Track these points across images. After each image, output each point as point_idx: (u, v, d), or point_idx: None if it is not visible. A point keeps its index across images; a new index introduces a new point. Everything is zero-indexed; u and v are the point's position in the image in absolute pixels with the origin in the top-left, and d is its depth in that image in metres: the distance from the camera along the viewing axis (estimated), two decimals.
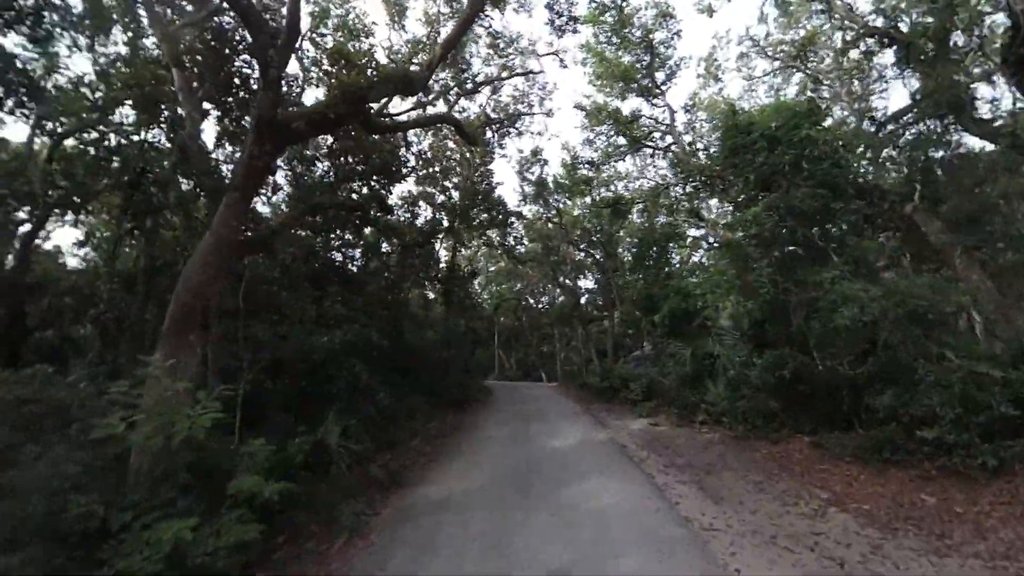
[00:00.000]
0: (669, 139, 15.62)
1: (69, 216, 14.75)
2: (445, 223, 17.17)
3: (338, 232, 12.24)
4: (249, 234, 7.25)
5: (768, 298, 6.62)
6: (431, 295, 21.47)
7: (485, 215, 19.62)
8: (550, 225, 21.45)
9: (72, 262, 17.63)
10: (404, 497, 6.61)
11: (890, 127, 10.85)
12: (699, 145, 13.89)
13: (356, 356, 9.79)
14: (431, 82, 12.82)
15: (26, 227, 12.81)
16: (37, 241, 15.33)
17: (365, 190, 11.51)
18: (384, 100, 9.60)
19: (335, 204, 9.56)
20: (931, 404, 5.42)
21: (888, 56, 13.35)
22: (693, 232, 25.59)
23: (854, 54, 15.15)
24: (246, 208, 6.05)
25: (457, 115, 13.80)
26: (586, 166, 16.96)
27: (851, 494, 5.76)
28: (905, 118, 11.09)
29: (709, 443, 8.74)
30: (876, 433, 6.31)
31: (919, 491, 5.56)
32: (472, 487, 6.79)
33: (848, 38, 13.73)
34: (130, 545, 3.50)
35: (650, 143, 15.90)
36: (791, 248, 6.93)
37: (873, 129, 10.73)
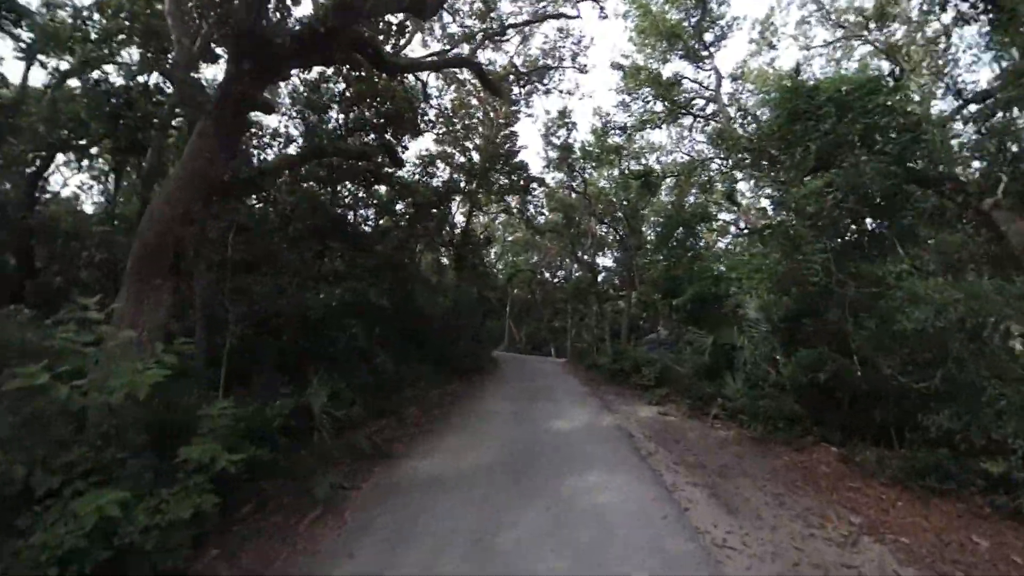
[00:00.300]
0: (712, 108, 14.25)
1: (75, 158, 14.39)
2: (463, 185, 16.28)
3: (348, 186, 11.55)
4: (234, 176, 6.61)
5: (819, 289, 5.74)
6: (444, 260, 20.90)
7: (505, 179, 18.67)
8: (573, 195, 20.35)
9: (90, 208, 17.52)
10: (390, 472, 6.19)
11: (973, 108, 9.46)
12: (747, 117, 12.54)
13: (356, 316, 9.32)
14: (453, 23, 11.72)
15: (32, 168, 12.50)
16: (54, 188, 15.12)
17: (378, 144, 10.71)
18: (393, 30, 8.64)
19: (339, 151, 8.83)
20: (1003, 432, 4.61)
21: (972, 31, 11.68)
22: (724, 216, 24.30)
23: (936, 24, 13.39)
24: (228, 143, 5.39)
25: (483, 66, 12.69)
26: (618, 132, 15.71)
27: (887, 522, 5.07)
28: (993, 99, 9.65)
29: (724, 442, 8.09)
30: (923, 455, 5.54)
31: (969, 530, 4.82)
32: (465, 467, 6.32)
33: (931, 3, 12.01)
34: (57, 512, 3.05)
35: (691, 111, 14.54)
36: (851, 234, 5.98)
37: (955, 107, 9.36)
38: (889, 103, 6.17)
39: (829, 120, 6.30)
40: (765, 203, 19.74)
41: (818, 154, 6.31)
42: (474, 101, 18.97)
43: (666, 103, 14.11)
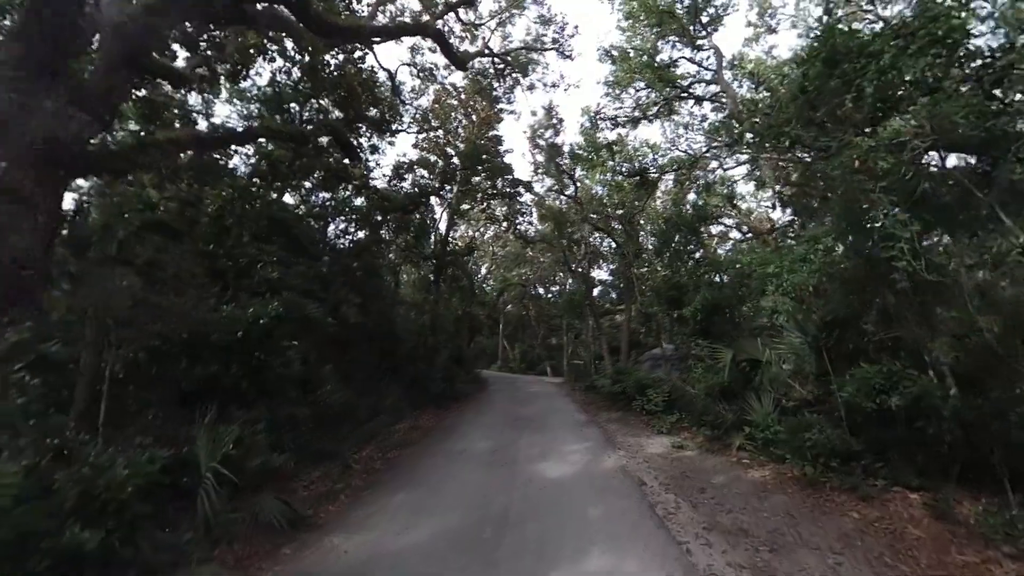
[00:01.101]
0: (714, 90, 12.84)
1: None
2: (439, 186, 14.68)
3: (296, 182, 9.86)
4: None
5: (910, 269, 4.01)
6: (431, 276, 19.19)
7: (488, 183, 17.12)
8: (564, 202, 18.82)
9: None
10: (299, 558, 4.30)
11: None
12: (759, 88, 11.12)
13: (295, 335, 7.50)
14: None
15: None
16: None
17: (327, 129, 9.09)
18: None
19: (272, 133, 7.18)
20: None
21: None
22: (726, 221, 22.85)
23: None
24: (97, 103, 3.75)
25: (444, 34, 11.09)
26: (608, 125, 14.26)
27: None
28: None
29: (762, 488, 6.24)
30: None
31: None
32: (409, 549, 4.44)
33: None
34: None
35: (691, 93, 13.12)
36: (943, 195, 4.31)
37: None
38: (967, 27, 4.59)
39: (890, 54, 4.69)
40: (767, 200, 18.38)
41: (877, 98, 4.68)
42: (454, 102, 17.60)
43: (662, 90, 12.68)
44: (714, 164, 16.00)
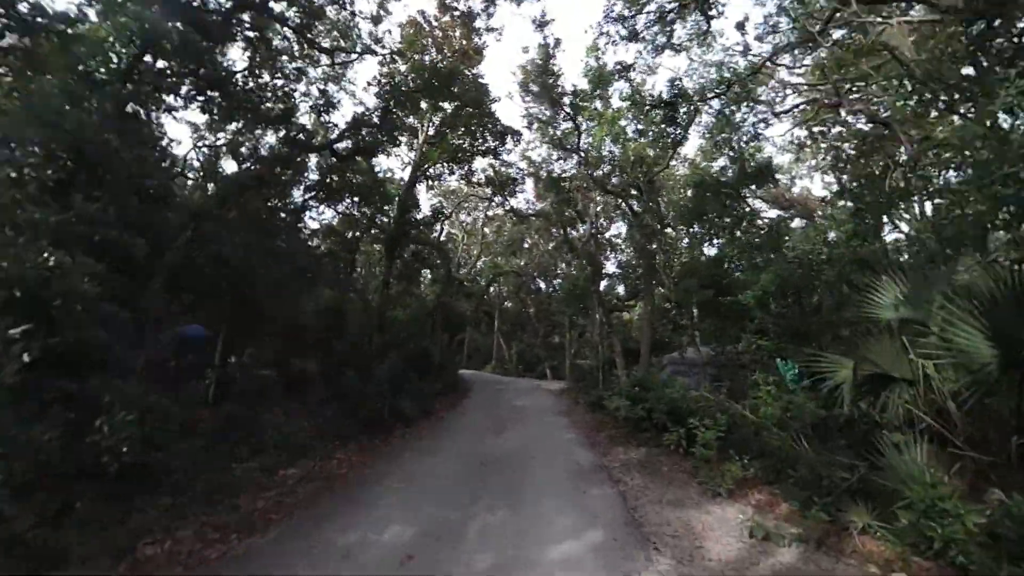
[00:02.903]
0: None
1: None
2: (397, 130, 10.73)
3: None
4: None
5: None
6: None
7: (467, 137, 13.18)
8: (562, 159, 14.81)
9: None
10: None
11: None
12: None
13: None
14: None
15: None
16: None
17: None
18: None
19: None
20: None
21: None
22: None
23: None
24: None
25: None
26: (623, 37, 10.18)
27: None
28: None
29: None
30: None
31: None
32: None
33: None
34: None
35: None
36: None
37: None
38: None
39: None
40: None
41: None
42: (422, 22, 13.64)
43: None
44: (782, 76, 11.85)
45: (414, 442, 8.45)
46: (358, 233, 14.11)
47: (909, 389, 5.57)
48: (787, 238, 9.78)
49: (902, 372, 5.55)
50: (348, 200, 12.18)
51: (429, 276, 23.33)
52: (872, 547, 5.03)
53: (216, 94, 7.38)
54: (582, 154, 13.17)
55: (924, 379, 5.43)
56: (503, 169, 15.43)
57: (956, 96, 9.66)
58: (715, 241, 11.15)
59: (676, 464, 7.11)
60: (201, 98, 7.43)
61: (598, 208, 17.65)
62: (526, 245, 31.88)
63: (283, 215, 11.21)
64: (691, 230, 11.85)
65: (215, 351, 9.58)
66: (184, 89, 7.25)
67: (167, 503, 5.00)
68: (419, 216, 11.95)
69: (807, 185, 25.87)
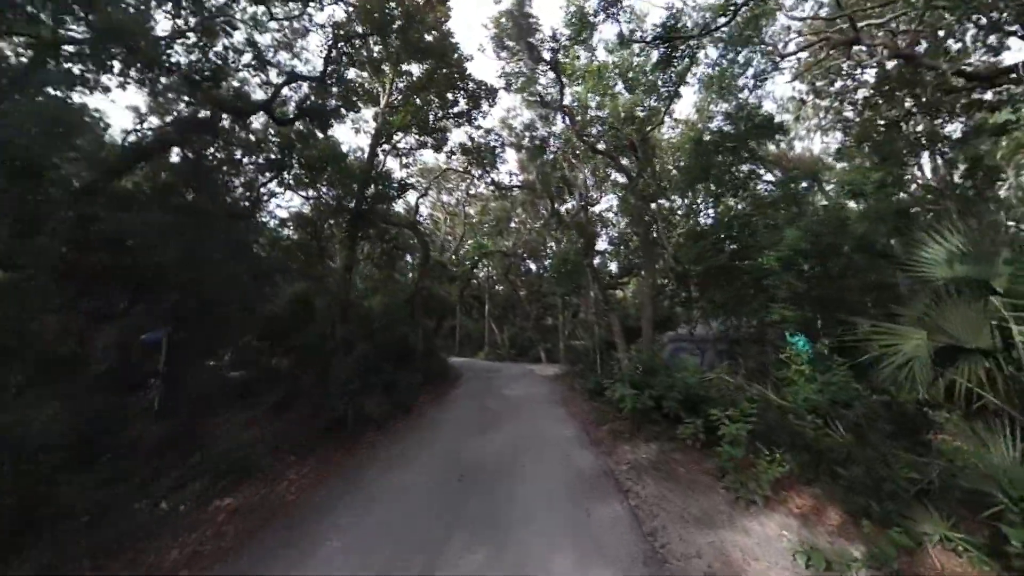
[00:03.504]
0: None
1: None
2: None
3: None
4: None
5: None
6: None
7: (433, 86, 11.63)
8: (545, 118, 13.32)
9: None
10: None
11: None
12: None
13: None
14: None
15: None
16: None
17: None
18: None
19: None
20: None
21: None
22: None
23: None
24: None
25: None
26: None
27: None
28: None
29: None
30: None
31: None
32: None
33: None
34: None
35: None
36: None
37: None
38: None
39: None
40: None
41: None
42: None
43: None
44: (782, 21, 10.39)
45: (384, 449, 7.24)
46: (327, 219, 12.71)
47: (983, 362, 4.45)
48: (805, 193, 8.56)
49: (980, 342, 4.41)
50: (303, 177, 10.70)
51: (413, 261, 22.02)
52: (954, 567, 3.97)
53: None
54: (566, 112, 11.74)
55: (1005, 349, 4.33)
56: (481, 140, 13.97)
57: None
58: (720, 203, 9.90)
59: (694, 462, 5.99)
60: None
61: (587, 179, 16.24)
62: (513, 224, 30.48)
63: (241, 199, 9.79)
64: (692, 192, 10.57)
65: (160, 355, 8.27)
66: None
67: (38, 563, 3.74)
68: (384, 190, 10.52)
69: (807, 146, 24.63)
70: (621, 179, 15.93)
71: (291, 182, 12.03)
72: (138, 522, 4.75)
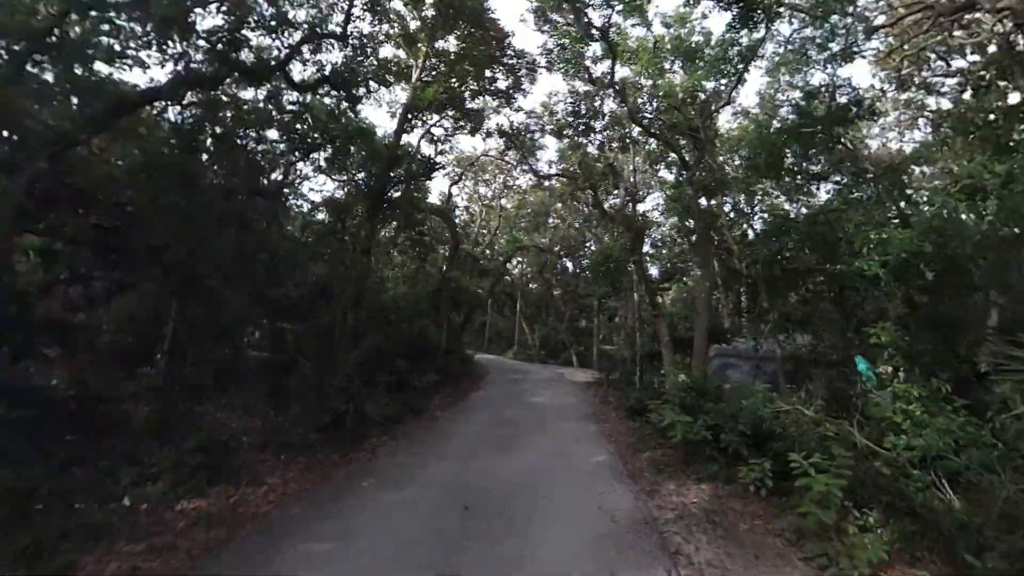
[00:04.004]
0: None
1: None
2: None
3: None
4: None
5: None
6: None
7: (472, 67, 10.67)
8: (591, 98, 12.00)
9: None
10: None
11: None
12: None
13: None
14: None
15: None
16: None
17: None
18: None
19: None
20: None
21: None
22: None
23: None
24: None
25: None
26: None
27: None
28: None
29: None
30: None
31: None
32: None
33: None
34: None
35: None
36: None
37: None
38: None
39: None
40: None
41: None
42: None
43: None
44: None
45: (384, 459, 6.36)
46: (356, 204, 12.06)
47: None
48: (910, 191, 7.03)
49: None
50: (333, 159, 10.01)
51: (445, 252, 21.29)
52: None
53: None
54: (617, 90, 10.45)
55: None
56: (520, 124, 12.91)
57: None
58: (801, 196, 8.43)
59: (758, 516, 4.72)
60: None
61: (637, 169, 14.82)
62: (551, 221, 29.27)
63: (253, 175, 9.23)
64: (762, 183, 9.12)
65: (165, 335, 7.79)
66: None
67: None
68: (410, 169, 9.68)
69: (882, 144, 22.06)
70: (669, 176, 14.50)
71: (322, 164, 11.52)
72: (93, 519, 4.05)
